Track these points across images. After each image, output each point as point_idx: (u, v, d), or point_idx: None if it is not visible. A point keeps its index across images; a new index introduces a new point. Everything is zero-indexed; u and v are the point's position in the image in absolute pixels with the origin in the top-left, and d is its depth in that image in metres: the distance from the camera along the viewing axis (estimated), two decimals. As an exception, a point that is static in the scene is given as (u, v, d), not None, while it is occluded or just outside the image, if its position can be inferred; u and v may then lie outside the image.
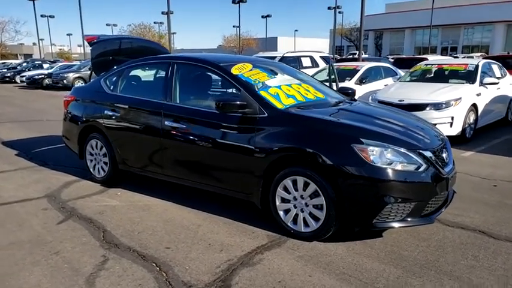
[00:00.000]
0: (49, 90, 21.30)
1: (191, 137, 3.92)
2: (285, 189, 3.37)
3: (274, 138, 3.38)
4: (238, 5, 39.60)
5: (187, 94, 4.23)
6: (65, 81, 20.21)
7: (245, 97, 3.60)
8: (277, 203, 3.44)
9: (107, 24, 63.94)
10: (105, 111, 4.66)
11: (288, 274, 2.84)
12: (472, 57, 23.49)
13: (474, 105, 7.47)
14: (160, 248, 3.25)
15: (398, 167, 3.02)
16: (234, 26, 67.46)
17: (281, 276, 2.81)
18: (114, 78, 4.82)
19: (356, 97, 4.97)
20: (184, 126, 3.96)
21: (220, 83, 4.33)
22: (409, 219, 3.09)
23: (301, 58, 12.60)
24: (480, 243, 3.28)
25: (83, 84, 5.77)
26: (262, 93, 3.67)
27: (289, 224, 3.40)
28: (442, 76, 8.41)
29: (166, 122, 4.07)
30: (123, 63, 5.08)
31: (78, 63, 25.24)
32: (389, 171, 2.98)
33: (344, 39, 58.63)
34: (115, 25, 63.15)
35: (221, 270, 2.91)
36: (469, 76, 8.08)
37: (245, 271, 2.89)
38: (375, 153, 3.01)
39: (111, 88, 4.79)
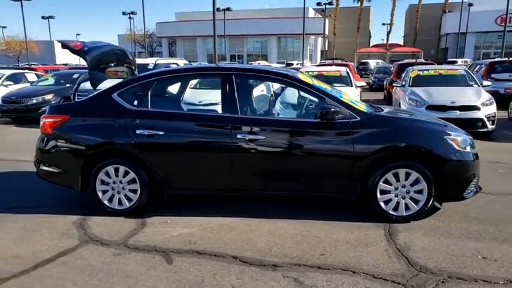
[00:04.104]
0: None
1: (275, 148, 3.93)
2: (386, 181, 3.90)
3: (375, 139, 3.85)
4: (20, 2, 33.92)
5: (255, 105, 4.16)
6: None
7: (334, 104, 3.92)
8: (378, 195, 3.92)
9: None
10: (138, 131, 4.02)
11: (441, 247, 3.42)
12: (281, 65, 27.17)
13: (359, 104, 9.34)
14: (317, 256, 3.30)
15: (471, 150, 3.99)
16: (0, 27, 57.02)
17: (438, 249, 3.38)
18: (138, 92, 4.18)
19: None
20: (264, 137, 3.93)
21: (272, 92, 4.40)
22: (476, 189, 4.10)
23: (171, 65, 12.48)
24: (499, 199, 4.58)
25: (75, 99, 4.64)
26: (343, 100, 4.05)
27: (390, 212, 3.94)
28: (326, 81, 10.01)
29: (238, 136, 3.93)
30: (133, 74, 4.48)
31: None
32: (471, 154, 3.92)
33: (137, 45, 57.81)
34: None
35: (396, 257, 3.25)
36: (346, 80, 9.98)
37: (412, 253, 3.33)
38: (460, 142, 3.90)
39: (136, 103, 4.14)
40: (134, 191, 4.16)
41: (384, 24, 59.80)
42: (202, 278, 2.99)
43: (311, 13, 55.57)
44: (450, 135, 3.90)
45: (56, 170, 4.27)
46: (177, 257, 3.33)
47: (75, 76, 13.26)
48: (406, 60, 19.67)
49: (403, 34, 71.39)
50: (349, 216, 4.08)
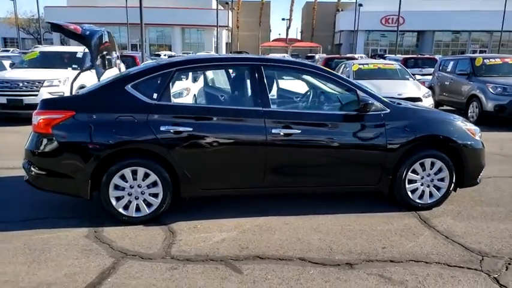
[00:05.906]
0: None
1: (312, 142, 3.81)
2: (413, 171, 4.04)
3: (405, 130, 3.93)
4: None
5: (286, 98, 3.95)
6: None
7: (367, 97, 3.92)
8: (407, 185, 4.05)
9: None
10: (162, 127, 3.55)
11: (480, 231, 3.65)
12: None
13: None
14: (379, 251, 3.28)
15: (480, 138, 4.32)
16: None
17: (479, 233, 3.61)
18: (156, 84, 3.67)
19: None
20: (299, 132, 3.77)
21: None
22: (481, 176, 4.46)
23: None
24: (484, 182, 5.00)
25: (81, 91, 3.86)
26: (372, 92, 4.07)
27: (417, 200, 4.09)
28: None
29: (273, 130, 3.71)
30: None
31: None
32: (481, 142, 4.25)
33: (21, 30, 51.48)
34: None
35: (451, 244, 3.39)
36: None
37: (459, 239, 3.49)
38: (475, 131, 4.21)
39: (155, 96, 3.64)
40: (155, 195, 3.68)
41: (283, 19, 62.29)
42: (289, 285, 2.76)
43: (214, 5, 55.29)
44: (466, 125, 4.19)
45: (55, 176, 3.56)
46: (242, 264, 3.03)
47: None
48: (332, 55, 20.65)
49: (301, 30, 75.20)
50: (374, 207, 4.14)
